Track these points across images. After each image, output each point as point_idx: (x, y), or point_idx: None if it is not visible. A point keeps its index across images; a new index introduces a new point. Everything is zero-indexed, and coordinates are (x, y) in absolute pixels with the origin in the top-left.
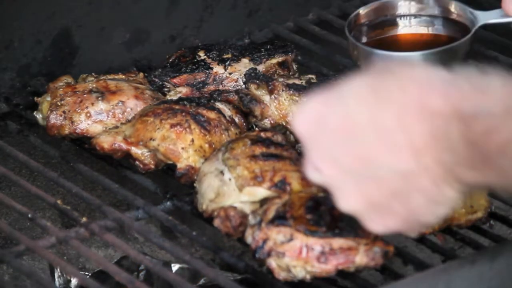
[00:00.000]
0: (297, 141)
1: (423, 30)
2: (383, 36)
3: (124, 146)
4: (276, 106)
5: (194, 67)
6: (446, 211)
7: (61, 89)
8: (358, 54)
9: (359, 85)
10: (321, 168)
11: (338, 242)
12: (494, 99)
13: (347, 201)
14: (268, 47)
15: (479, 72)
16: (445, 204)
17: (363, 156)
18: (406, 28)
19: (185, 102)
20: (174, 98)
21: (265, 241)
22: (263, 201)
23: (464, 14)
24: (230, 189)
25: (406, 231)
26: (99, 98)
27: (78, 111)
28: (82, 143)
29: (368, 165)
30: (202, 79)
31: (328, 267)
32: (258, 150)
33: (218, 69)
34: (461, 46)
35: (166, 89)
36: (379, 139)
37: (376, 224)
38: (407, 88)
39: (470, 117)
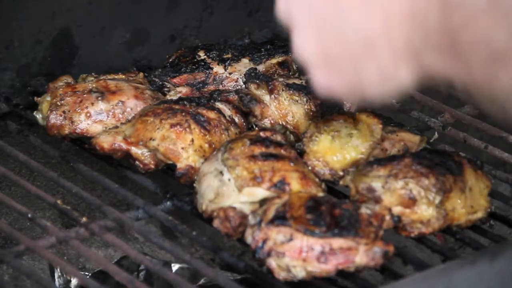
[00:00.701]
0: (296, 140)
1: None
2: None
3: (124, 146)
4: (276, 106)
5: (194, 67)
6: (392, 93)
7: (61, 89)
8: None
9: None
10: (292, 2)
11: (338, 242)
12: None
13: (303, 43)
14: (268, 47)
15: None
16: (394, 83)
17: (337, 4)
18: None
19: (185, 102)
20: (174, 98)
21: (265, 241)
22: (263, 201)
23: None
24: (230, 189)
25: (345, 97)
26: (99, 98)
27: (78, 111)
28: (82, 143)
29: (338, 15)
30: (202, 79)
31: (328, 267)
32: (257, 150)
33: (218, 69)
34: None
35: (166, 89)
36: None
37: (322, 79)
38: None
39: (454, 4)
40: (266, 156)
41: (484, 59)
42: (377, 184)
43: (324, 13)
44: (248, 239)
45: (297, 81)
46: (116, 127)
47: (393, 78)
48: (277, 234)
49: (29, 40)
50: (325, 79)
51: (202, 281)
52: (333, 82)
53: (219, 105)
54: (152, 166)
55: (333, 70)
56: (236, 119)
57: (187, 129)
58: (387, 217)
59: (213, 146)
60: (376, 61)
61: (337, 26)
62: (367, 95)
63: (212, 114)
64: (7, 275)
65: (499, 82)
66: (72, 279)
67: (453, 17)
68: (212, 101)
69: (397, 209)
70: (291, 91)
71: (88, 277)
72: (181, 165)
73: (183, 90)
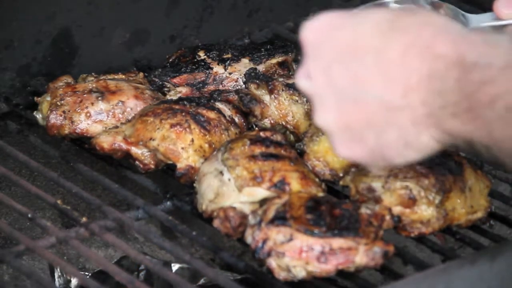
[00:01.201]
0: (296, 140)
1: None
2: None
3: (124, 146)
4: (276, 106)
5: (194, 67)
6: (415, 158)
7: (61, 89)
8: None
9: (379, 14)
10: (313, 76)
11: (338, 242)
12: (498, 52)
13: (324, 115)
14: (268, 47)
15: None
16: (416, 149)
17: (356, 77)
18: None
19: (185, 102)
20: (174, 98)
21: (265, 241)
22: (263, 201)
23: (456, 17)
24: (230, 189)
25: (368, 164)
26: (99, 98)
27: (78, 111)
28: (82, 143)
29: (357, 86)
30: (202, 79)
31: (328, 267)
32: (257, 150)
33: (218, 69)
34: None
35: (166, 89)
36: (377, 66)
37: (343, 147)
38: (423, 28)
39: (470, 65)
40: (266, 156)
41: (503, 115)
42: (377, 184)
43: (345, 87)
44: (248, 239)
45: None
46: (116, 127)
47: (415, 145)
48: (277, 234)
49: (29, 40)
50: (347, 148)
51: (202, 281)
52: (355, 151)
53: (219, 105)
54: (152, 166)
55: (353, 139)
56: (236, 119)
57: (187, 129)
58: (387, 217)
59: (213, 146)
60: (397, 129)
61: (358, 98)
62: (390, 161)
63: (212, 114)
64: (7, 275)
65: None
66: (72, 279)
67: (469, 77)
68: (212, 101)
69: (397, 209)
70: (291, 91)
71: (88, 277)
72: (181, 165)
73: (183, 90)
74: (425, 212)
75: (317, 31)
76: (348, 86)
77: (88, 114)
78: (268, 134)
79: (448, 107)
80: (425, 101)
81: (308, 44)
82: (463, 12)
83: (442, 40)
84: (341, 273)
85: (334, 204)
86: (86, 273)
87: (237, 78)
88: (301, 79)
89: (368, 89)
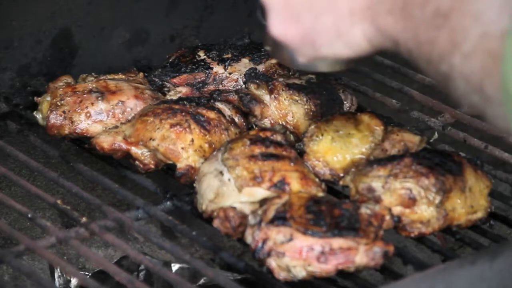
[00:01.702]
0: (296, 140)
1: None
2: None
3: (124, 146)
4: (276, 105)
5: (194, 67)
6: (343, 53)
7: (61, 89)
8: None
9: None
10: None
11: (338, 242)
12: None
13: None
14: None
15: None
16: (347, 42)
17: None
18: None
19: (185, 102)
20: (174, 98)
21: (265, 241)
22: (263, 201)
23: None
24: (230, 189)
25: (297, 48)
26: (99, 98)
27: (78, 111)
28: (82, 143)
29: None
30: (202, 79)
31: (328, 267)
32: (257, 150)
33: (218, 69)
34: None
35: (166, 89)
36: None
37: (278, 25)
38: None
39: None
40: (266, 156)
41: (430, 20)
42: (377, 184)
43: None
44: (248, 239)
45: (297, 81)
46: (116, 127)
47: (347, 36)
48: (277, 234)
49: (29, 40)
50: (282, 26)
51: (202, 281)
52: (289, 30)
53: (219, 105)
54: (152, 166)
55: (291, 17)
56: (236, 119)
57: (187, 129)
58: (387, 217)
59: (213, 146)
60: (334, 15)
61: None
62: (317, 50)
63: (212, 114)
64: (7, 275)
65: (437, 44)
66: (72, 279)
67: None
68: (212, 101)
69: (397, 209)
70: (291, 91)
71: (88, 277)
72: (181, 165)
73: (183, 90)
74: (425, 212)
75: None
76: None
77: (88, 114)
78: (268, 134)
79: (386, 2)
80: None
81: None
82: None
83: None
84: (341, 273)
85: (334, 204)
86: (86, 273)
87: (237, 78)
88: None
89: None
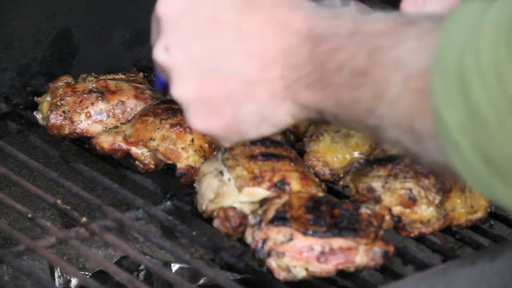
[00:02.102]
0: (296, 140)
1: None
2: None
3: (124, 146)
4: None
5: None
6: (270, 132)
7: (61, 89)
8: None
9: None
10: (171, 49)
11: (338, 242)
12: (345, 22)
13: (182, 87)
14: None
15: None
16: (272, 124)
17: (216, 52)
18: None
19: None
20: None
21: (265, 241)
22: (263, 201)
23: None
24: (230, 189)
25: (223, 138)
26: (99, 98)
27: (78, 111)
28: (82, 143)
29: (217, 61)
30: None
31: (328, 267)
32: (257, 150)
33: None
34: None
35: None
36: (236, 42)
37: (199, 121)
38: (277, 6)
39: (319, 37)
40: (266, 156)
41: (348, 80)
42: (377, 184)
43: (204, 61)
44: (248, 239)
45: None
46: (116, 127)
47: (270, 118)
48: (277, 234)
49: (29, 40)
50: (203, 121)
51: (202, 281)
52: (211, 124)
53: None
54: (152, 166)
55: (211, 112)
56: None
57: (187, 129)
58: (387, 217)
59: (213, 146)
60: (255, 103)
61: (217, 71)
62: (244, 135)
63: None
64: (7, 275)
65: (361, 102)
66: (72, 279)
67: (319, 48)
68: None
69: (397, 209)
70: None
71: (88, 277)
72: (181, 165)
73: None
74: (425, 212)
75: (175, 5)
76: (208, 60)
77: (88, 114)
78: None
79: (302, 79)
80: (282, 75)
81: (166, 18)
82: None
83: (295, 17)
84: (341, 273)
85: (334, 204)
86: (86, 273)
87: None
88: (159, 52)
89: (227, 64)
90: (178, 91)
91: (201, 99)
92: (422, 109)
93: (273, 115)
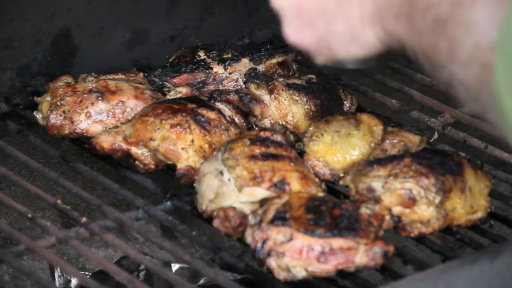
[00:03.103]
0: (296, 140)
1: None
2: None
3: (124, 146)
4: (276, 106)
5: (194, 67)
6: (358, 53)
7: (61, 89)
8: None
9: None
10: None
11: (338, 242)
12: None
13: None
14: (268, 47)
15: None
16: (360, 44)
17: None
18: None
19: (185, 102)
20: (174, 98)
21: (265, 241)
22: (263, 201)
23: None
24: (230, 189)
25: (315, 53)
26: (99, 98)
27: (78, 111)
28: (82, 143)
29: None
30: (202, 79)
31: (328, 267)
32: (257, 150)
33: (218, 69)
34: None
35: (166, 89)
36: None
37: (293, 30)
38: None
39: None
40: (266, 156)
41: (431, 26)
42: (377, 184)
43: None
44: (248, 239)
45: (297, 81)
46: (116, 127)
47: (359, 38)
48: (277, 234)
49: (29, 40)
50: (297, 31)
51: (202, 281)
52: (304, 35)
53: (219, 105)
54: (152, 166)
55: (305, 23)
56: (236, 119)
57: (187, 130)
58: (387, 217)
59: (213, 146)
60: (346, 20)
61: None
62: (334, 52)
63: (212, 115)
64: (7, 275)
65: (438, 51)
66: (72, 279)
67: None
68: (212, 101)
69: (397, 209)
70: (291, 91)
71: (88, 277)
72: (181, 165)
73: (183, 90)
74: (425, 212)
75: None
76: None
77: (88, 114)
78: (268, 134)
79: (393, 7)
80: None
81: None
82: None
83: None
84: (341, 273)
85: (334, 204)
86: (86, 273)
87: (237, 78)
88: None
89: None
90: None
91: (297, 9)
92: (486, 83)
93: (362, 35)
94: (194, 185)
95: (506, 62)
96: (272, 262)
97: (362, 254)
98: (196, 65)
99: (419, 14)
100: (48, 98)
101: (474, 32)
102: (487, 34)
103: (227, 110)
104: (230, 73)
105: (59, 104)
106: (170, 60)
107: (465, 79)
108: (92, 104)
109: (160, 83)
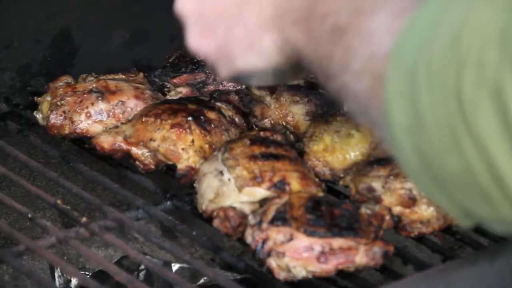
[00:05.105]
0: (296, 140)
1: None
2: None
3: (124, 146)
4: (276, 106)
5: (194, 67)
6: (257, 63)
7: (61, 89)
8: None
9: None
10: None
11: (338, 242)
12: None
13: (183, 1)
14: None
15: None
16: (258, 52)
17: None
18: None
19: (186, 102)
20: (174, 98)
21: (265, 241)
22: (263, 201)
23: None
24: (230, 189)
25: (215, 62)
26: (99, 98)
27: (78, 111)
28: (82, 143)
29: None
30: (202, 79)
31: (328, 267)
32: (258, 150)
33: None
34: None
35: (166, 89)
36: None
37: (195, 38)
38: None
39: None
40: (266, 156)
41: (328, 34)
42: (377, 184)
43: None
44: (248, 239)
45: (298, 82)
46: (116, 127)
47: (258, 46)
48: (277, 234)
49: (29, 40)
50: (198, 39)
51: (202, 281)
52: (205, 43)
53: (219, 105)
54: (153, 167)
55: (206, 30)
56: (237, 120)
57: (188, 130)
58: (387, 217)
59: (214, 146)
60: (244, 26)
61: None
62: (233, 62)
63: (212, 115)
64: (7, 275)
65: (333, 60)
66: (72, 279)
67: None
68: (212, 101)
69: (397, 209)
70: (291, 92)
71: (88, 277)
72: (181, 166)
73: (183, 90)
74: (425, 212)
75: None
76: None
77: (88, 114)
78: (268, 134)
79: (292, 12)
80: (274, 2)
81: None
82: None
83: None
84: (341, 273)
85: (334, 204)
86: (86, 273)
87: None
88: None
89: None
90: (180, 4)
91: (198, 13)
92: (376, 95)
93: (259, 41)
94: (194, 185)
95: (398, 74)
96: (272, 262)
97: (362, 254)
98: (196, 65)
99: (318, 21)
100: (48, 98)
101: (370, 41)
102: (383, 44)
103: (227, 110)
104: None
105: (59, 104)
106: (170, 60)
107: (357, 90)
108: (92, 104)
109: (160, 83)
